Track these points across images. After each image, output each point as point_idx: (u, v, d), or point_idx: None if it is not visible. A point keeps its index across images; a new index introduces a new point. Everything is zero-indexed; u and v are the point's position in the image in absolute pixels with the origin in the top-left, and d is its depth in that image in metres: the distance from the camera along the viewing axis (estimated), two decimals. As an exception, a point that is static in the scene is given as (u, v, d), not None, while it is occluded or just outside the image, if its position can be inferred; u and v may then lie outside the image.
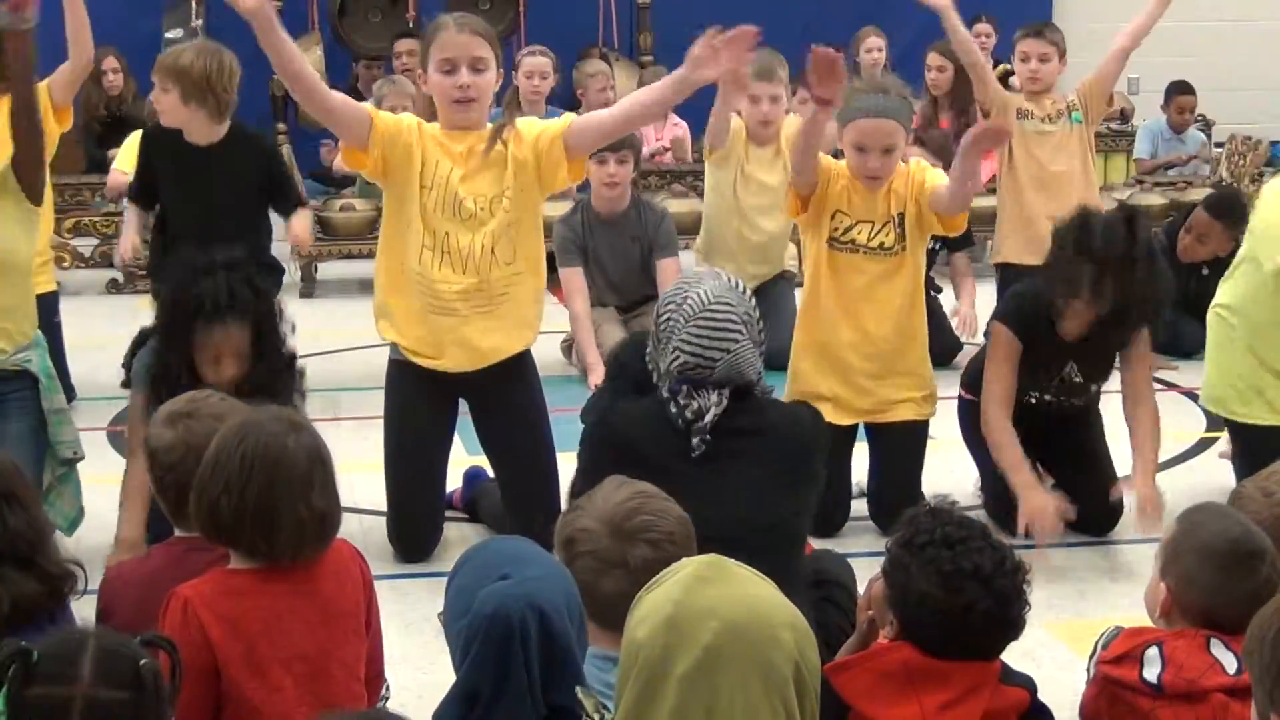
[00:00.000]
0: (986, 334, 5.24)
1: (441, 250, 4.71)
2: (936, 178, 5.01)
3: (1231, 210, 7.17)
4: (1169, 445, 5.77)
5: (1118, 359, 5.01)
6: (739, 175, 7.44)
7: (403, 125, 4.69)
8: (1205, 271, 7.06)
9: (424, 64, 4.78)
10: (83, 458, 4.86)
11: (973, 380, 5.14)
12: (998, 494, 5.04)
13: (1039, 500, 4.75)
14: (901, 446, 5.13)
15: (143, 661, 2.48)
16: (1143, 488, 4.80)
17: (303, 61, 4.73)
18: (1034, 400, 5.04)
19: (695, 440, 3.55)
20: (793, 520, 3.61)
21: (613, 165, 7.06)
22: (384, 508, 5.02)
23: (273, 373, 4.57)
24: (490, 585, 2.82)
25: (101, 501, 5.08)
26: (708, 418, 3.57)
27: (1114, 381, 5.11)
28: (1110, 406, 5.15)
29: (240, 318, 4.51)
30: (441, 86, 4.70)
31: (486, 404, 4.95)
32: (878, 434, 5.15)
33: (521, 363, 4.95)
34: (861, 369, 5.08)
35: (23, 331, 4.73)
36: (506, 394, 4.91)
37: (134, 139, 8.89)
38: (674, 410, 3.60)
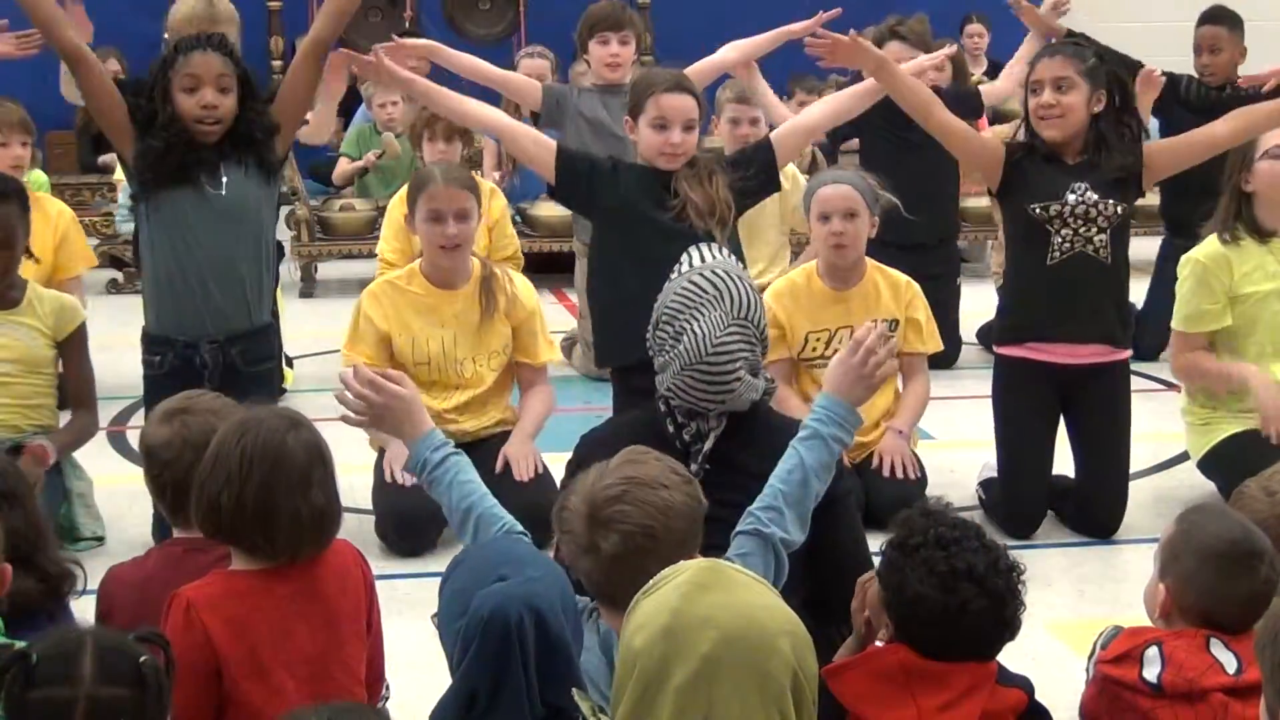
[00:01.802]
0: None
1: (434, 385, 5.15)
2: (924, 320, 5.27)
3: (1229, 15, 7.27)
4: (1168, 446, 5.78)
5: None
6: None
7: (387, 330, 5.18)
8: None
9: (411, 209, 5.24)
10: (102, 539, 5.00)
11: (1000, 325, 5.24)
12: (1002, 486, 5.09)
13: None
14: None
15: (143, 659, 2.48)
16: None
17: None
18: (1058, 253, 4.97)
19: (694, 467, 3.42)
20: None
21: (615, 45, 6.70)
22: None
23: (257, 113, 4.74)
24: (487, 587, 2.82)
25: (102, 501, 5.09)
26: (706, 444, 3.48)
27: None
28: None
29: (219, 49, 4.70)
30: (429, 235, 5.15)
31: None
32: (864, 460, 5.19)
33: None
34: None
35: (42, 420, 4.98)
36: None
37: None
38: (671, 429, 3.51)
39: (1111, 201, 4.94)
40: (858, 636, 3.12)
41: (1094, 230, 4.95)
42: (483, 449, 5.08)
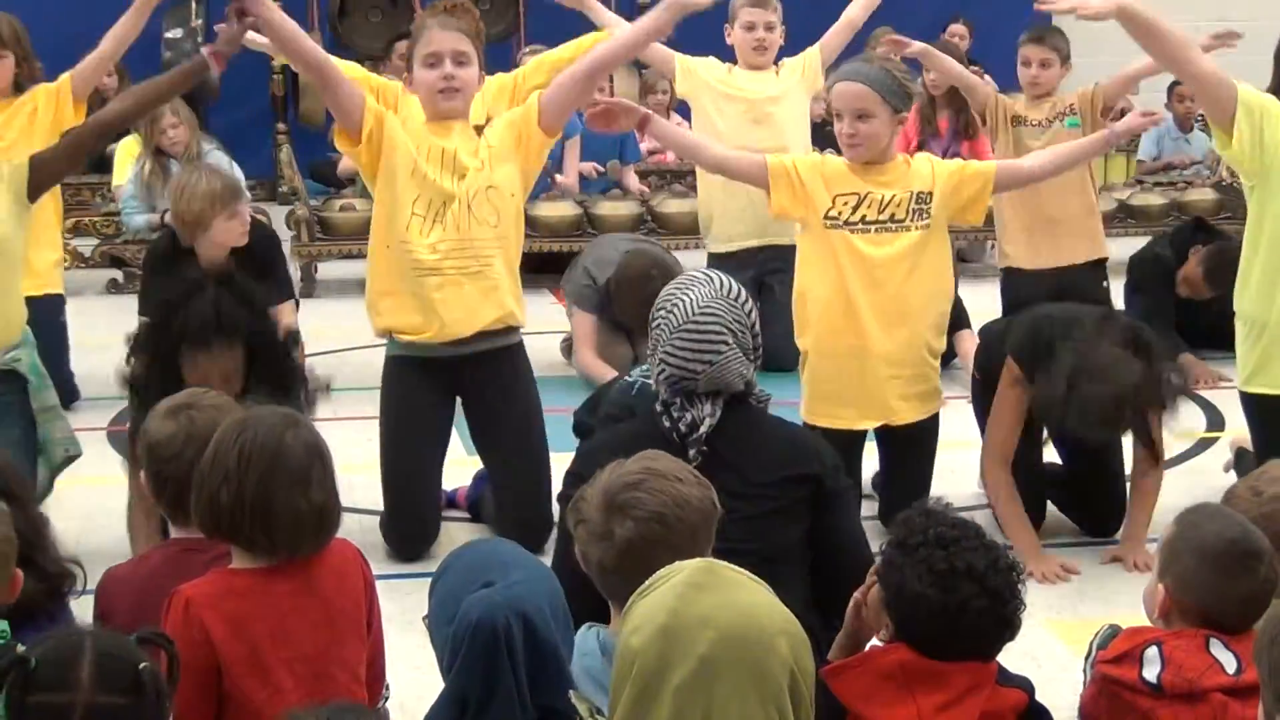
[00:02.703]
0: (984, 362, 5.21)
1: (427, 217, 4.82)
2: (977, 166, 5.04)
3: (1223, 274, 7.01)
4: (1168, 445, 5.77)
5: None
6: (716, 99, 7.12)
7: (390, 115, 4.89)
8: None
9: (409, 65, 4.97)
10: (78, 455, 4.87)
11: (985, 355, 5.15)
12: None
13: (1046, 564, 4.76)
14: (912, 446, 5.07)
15: (142, 665, 2.48)
16: (1133, 553, 4.84)
17: (302, 37, 4.83)
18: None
19: (692, 452, 3.46)
20: (793, 545, 3.50)
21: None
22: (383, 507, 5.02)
23: (274, 396, 4.36)
24: (474, 592, 2.82)
25: (102, 501, 5.09)
26: (702, 429, 3.51)
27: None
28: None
29: (229, 339, 4.37)
30: (427, 80, 4.87)
31: (482, 399, 4.98)
32: (888, 435, 5.07)
33: (515, 359, 5.01)
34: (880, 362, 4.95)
35: (10, 323, 4.72)
36: (501, 390, 4.96)
37: (126, 145, 8.90)
38: (668, 424, 3.54)
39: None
40: (848, 632, 3.13)
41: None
42: (491, 411, 4.96)
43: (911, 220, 4.90)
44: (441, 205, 4.83)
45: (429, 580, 3.55)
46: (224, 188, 5.84)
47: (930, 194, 4.92)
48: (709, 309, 3.58)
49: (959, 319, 6.76)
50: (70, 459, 4.84)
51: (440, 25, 4.90)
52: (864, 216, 4.90)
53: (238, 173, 7.84)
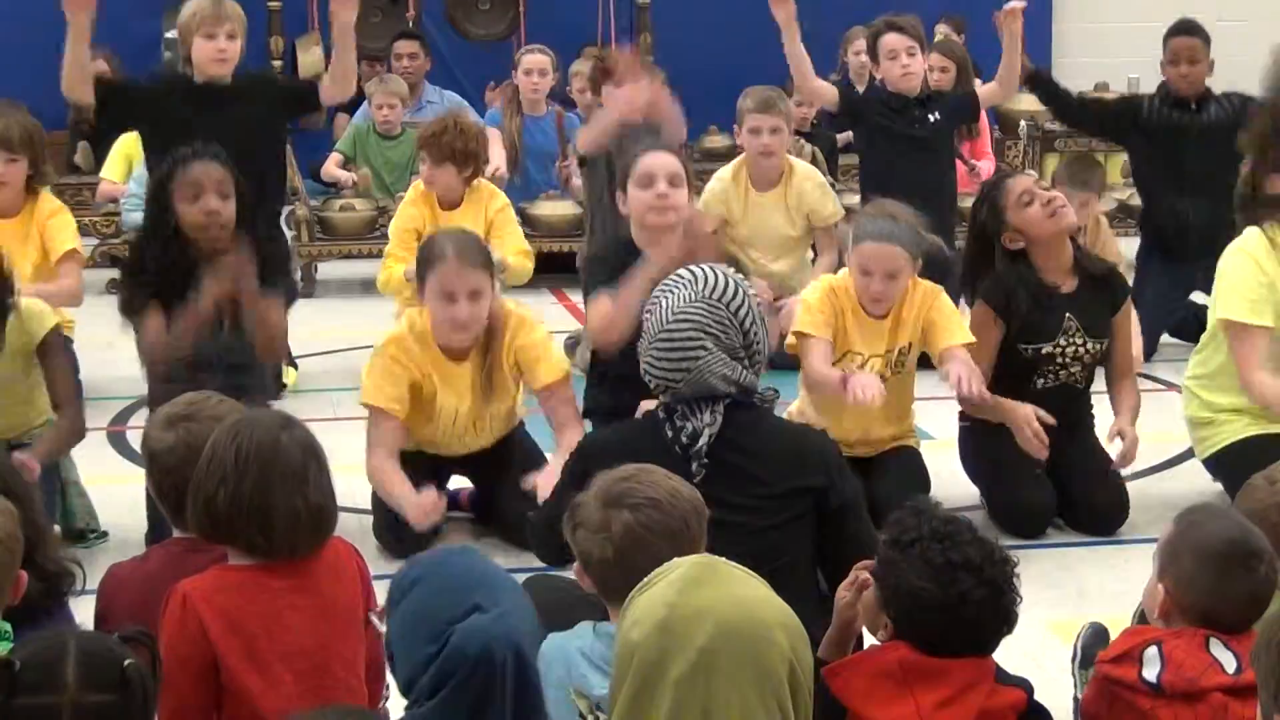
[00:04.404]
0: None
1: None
2: (947, 316, 5.04)
3: (1202, 28, 7.23)
4: (1168, 446, 5.78)
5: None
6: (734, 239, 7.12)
7: (407, 395, 4.91)
8: None
9: (421, 282, 4.91)
10: (96, 531, 5.00)
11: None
12: (1006, 491, 5.14)
13: (1024, 410, 4.93)
14: (899, 463, 5.12)
15: (127, 662, 2.48)
16: (1124, 425, 5.09)
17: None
18: (1041, 384, 5.08)
19: (694, 466, 3.42)
20: (799, 555, 3.49)
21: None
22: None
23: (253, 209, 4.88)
24: (471, 621, 2.75)
25: (102, 501, 5.09)
26: (702, 440, 3.47)
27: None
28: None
29: (217, 159, 4.85)
30: (441, 313, 4.84)
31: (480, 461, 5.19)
32: (870, 462, 5.11)
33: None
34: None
35: (40, 411, 4.92)
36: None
37: (121, 144, 8.90)
38: (669, 434, 3.50)
39: (1096, 343, 5.10)
40: (838, 626, 3.13)
41: (1079, 368, 5.12)
42: (490, 457, 5.14)
43: (891, 374, 5.05)
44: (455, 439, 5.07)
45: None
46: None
47: (911, 345, 5.08)
48: (683, 314, 3.52)
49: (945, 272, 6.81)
50: (86, 532, 4.97)
51: (458, 258, 4.80)
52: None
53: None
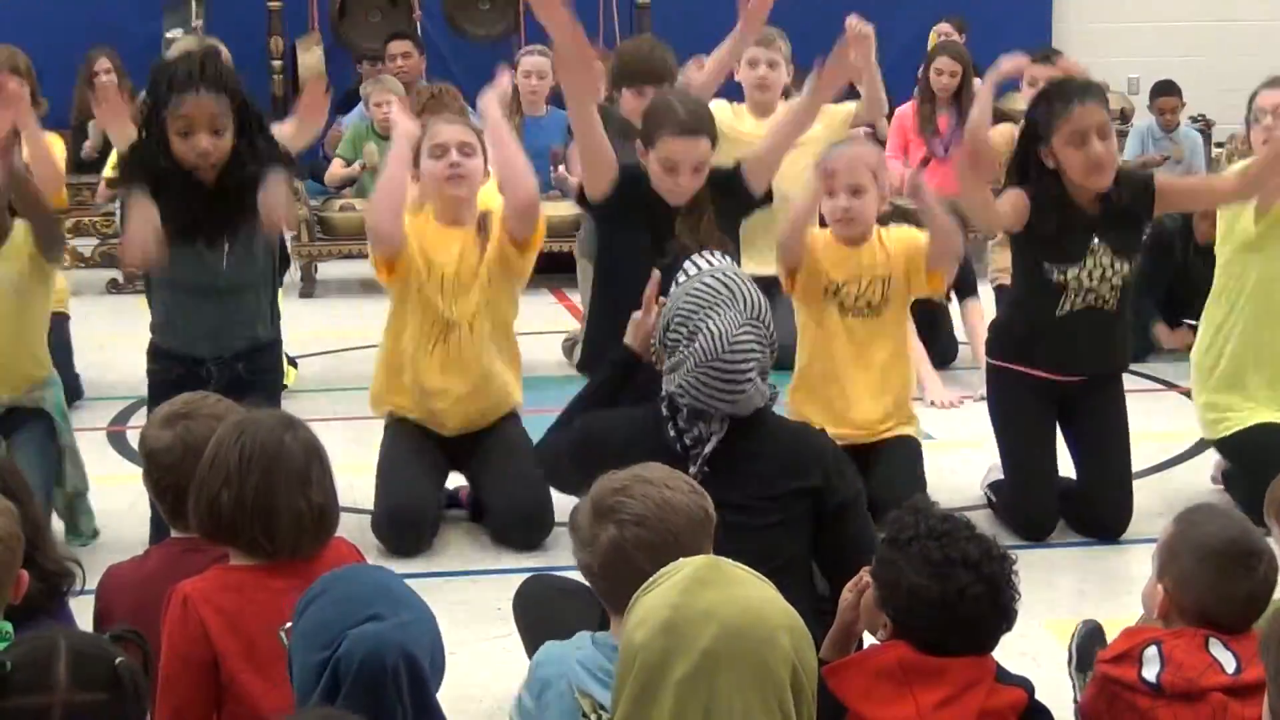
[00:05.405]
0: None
1: (430, 338, 5.07)
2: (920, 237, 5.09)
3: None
4: (1168, 446, 5.78)
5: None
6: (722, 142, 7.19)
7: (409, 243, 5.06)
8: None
9: (416, 157, 5.13)
10: (84, 490, 4.98)
11: (998, 343, 5.18)
12: (1013, 491, 5.11)
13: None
14: (897, 455, 5.11)
15: (118, 660, 2.48)
16: None
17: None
18: (1068, 307, 5.00)
19: (693, 469, 3.40)
20: (797, 556, 3.48)
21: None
22: (384, 508, 5.02)
23: (254, 148, 4.66)
24: (365, 627, 2.67)
25: (102, 501, 5.09)
26: (707, 447, 3.45)
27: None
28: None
29: (213, 87, 4.60)
30: (434, 170, 5.08)
31: (475, 450, 5.20)
32: (869, 451, 5.09)
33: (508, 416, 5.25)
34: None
35: (38, 362, 4.92)
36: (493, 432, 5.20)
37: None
38: (672, 434, 3.48)
39: (1125, 262, 5.00)
40: (840, 626, 3.13)
41: (1106, 289, 5.00)
42: (481, 445, 5.14)
43: (869, 308, 5.10)
44: (445, 329, 5.06)
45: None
46: None
47: (891, 279, 5.09)
48: (738, 344, 3.43)
49: (967, 284, 6.77)
50: (75, 494, 4.96)
51: (446, 120, 5.15)
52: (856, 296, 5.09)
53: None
